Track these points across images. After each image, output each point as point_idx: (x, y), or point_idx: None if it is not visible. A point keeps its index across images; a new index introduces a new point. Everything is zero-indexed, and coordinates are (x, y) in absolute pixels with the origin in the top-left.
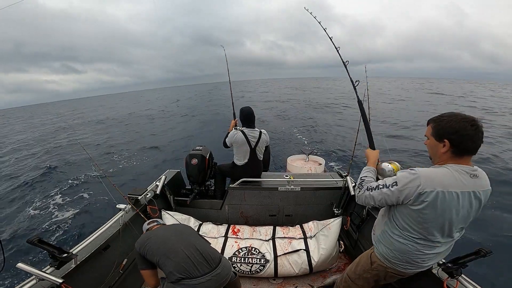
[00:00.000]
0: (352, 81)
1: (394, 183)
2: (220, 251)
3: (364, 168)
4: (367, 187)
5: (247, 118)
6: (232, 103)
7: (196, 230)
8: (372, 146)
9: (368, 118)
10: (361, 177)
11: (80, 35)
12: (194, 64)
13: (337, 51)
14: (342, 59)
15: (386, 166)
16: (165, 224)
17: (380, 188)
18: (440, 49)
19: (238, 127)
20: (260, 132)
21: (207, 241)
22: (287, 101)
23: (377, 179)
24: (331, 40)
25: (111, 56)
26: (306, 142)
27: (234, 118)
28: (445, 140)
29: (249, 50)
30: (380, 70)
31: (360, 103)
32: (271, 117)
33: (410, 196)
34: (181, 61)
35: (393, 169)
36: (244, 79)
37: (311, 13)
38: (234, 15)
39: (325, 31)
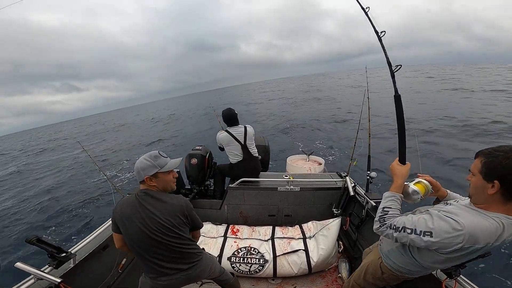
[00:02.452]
0: (389, 65)
1: (428, 233)
2: (219, 251)
3: (388, 194)
4: (391, 225)
5: (229, 118)
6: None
7: None
8: (402, 159)
9: (368, 118)
10: (383, 208)
11: (77, 52)
12: (192, 72)
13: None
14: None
15: (411, 188)
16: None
17: (408, 233)
18: (433, 34)
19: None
20: (245, 127)
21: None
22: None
23: None
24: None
25: (110, 71)
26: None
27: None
28: (495, 181)
29: (245, 53)
30: (379, 61)
31: (397, 98)
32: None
33: (444, 249)
34: (179, 70)
35: (419, 191)
36: (243, 82)
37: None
38: (225, 19)
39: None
